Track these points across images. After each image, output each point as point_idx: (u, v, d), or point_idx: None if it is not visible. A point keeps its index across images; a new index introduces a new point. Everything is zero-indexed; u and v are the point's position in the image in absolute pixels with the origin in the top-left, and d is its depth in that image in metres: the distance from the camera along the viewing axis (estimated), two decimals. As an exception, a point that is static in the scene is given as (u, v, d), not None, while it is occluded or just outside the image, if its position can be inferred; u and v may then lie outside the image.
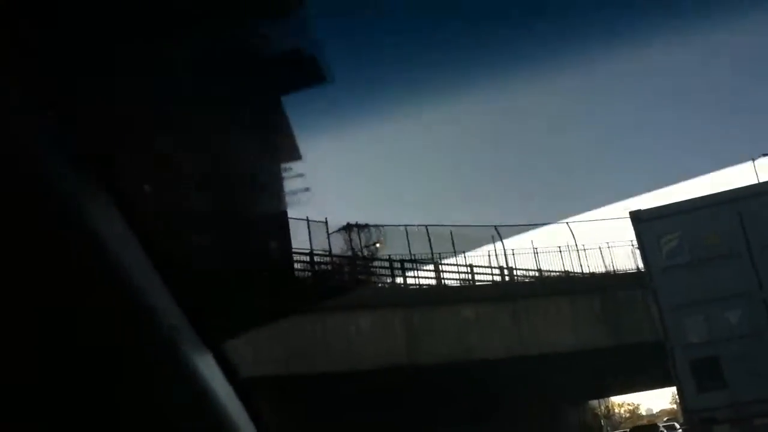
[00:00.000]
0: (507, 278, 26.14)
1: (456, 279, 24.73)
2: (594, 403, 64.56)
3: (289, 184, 1.77)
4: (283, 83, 1.62)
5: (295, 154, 1.67)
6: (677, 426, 35.79)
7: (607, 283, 24.87)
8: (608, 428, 53.35)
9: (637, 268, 24.31)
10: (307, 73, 1.62)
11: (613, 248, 27.34)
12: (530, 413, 28.72)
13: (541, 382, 26.78)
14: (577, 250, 27.09)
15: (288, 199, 1.83)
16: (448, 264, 24.22)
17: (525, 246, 26.76)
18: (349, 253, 22.57)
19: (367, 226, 21.79)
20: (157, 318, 0.91)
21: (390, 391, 20.47)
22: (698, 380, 12.50)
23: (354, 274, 23.12)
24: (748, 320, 12.49)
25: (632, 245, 23.59)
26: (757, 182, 14.75)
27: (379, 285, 23.22)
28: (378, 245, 22.23)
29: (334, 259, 23.17)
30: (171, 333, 0.92)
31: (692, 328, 12.77)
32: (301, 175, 1.73)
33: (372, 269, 23.32)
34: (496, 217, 24.59)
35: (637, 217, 13.68)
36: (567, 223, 26.60)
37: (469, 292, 24.40)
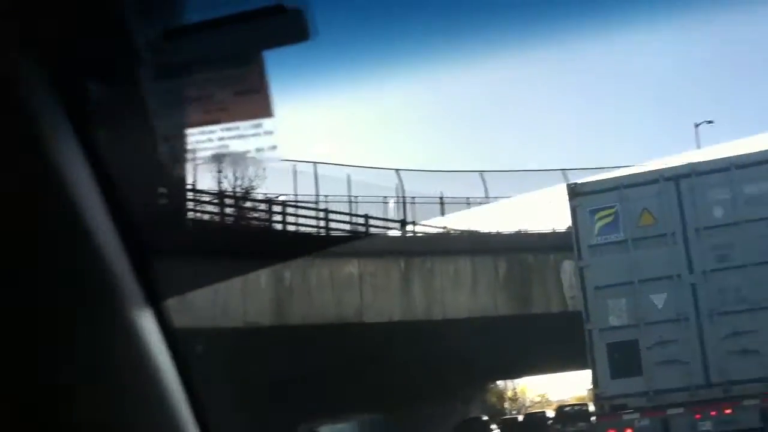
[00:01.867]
0: (404, 232, 26.52)
1: (346, 229, 24.93)
2: (503, 384, 67.59)
3: (258, 141, 1.91)
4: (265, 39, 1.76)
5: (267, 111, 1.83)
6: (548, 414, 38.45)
7: (517, 243, 25.32)
8: (512, 412, 56.31)
9: (553, 230, 25.33)
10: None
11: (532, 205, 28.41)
12: (425, 388, 29.44)
13: (439, 354, 27.30)
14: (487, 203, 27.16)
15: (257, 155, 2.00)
16: (337, 212, 24.36)
17: (432, 195, 26.86)
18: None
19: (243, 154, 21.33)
20: (106, 268, 1.16)
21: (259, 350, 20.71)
22: (613, 365, 13.59)
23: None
24: (673, 305, 13.65)
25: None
26: (700, 160, 15.74)
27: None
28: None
29: (197, 195, 22.75)
30: (115, 284, 1.18)
31: (614, 311, 13.86)
32: (270, 133, 1.87)
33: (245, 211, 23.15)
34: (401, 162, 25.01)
35: (573, 189, 14.63)
36: (480, 172, 26.84)
37: (354, 245, 24.69)
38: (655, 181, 14.38)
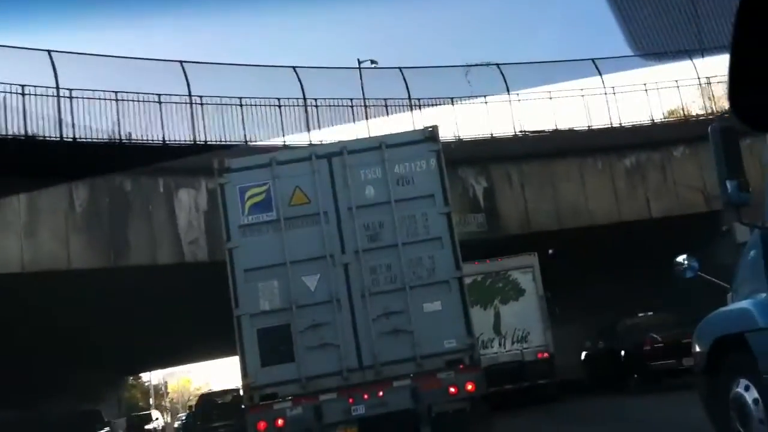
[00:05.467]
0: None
1: None
2: (152, 375, 66.76)
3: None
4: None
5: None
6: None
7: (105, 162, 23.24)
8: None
9: (164, 142, 24.01)
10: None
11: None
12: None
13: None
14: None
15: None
16: None
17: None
18: None
19: None
20: None
21: None
22: (264, 352, 15.53)
23: None
24: (326, 286, 15.77)
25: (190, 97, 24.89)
26: (353, 138, 19.34)
27: None
28: None
29: None
30: None
31: (265, 294, 15.70)
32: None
33: None
34: None
35: (222, 166, 16.24)
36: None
37: None
38: (307, 159, 16.52)
